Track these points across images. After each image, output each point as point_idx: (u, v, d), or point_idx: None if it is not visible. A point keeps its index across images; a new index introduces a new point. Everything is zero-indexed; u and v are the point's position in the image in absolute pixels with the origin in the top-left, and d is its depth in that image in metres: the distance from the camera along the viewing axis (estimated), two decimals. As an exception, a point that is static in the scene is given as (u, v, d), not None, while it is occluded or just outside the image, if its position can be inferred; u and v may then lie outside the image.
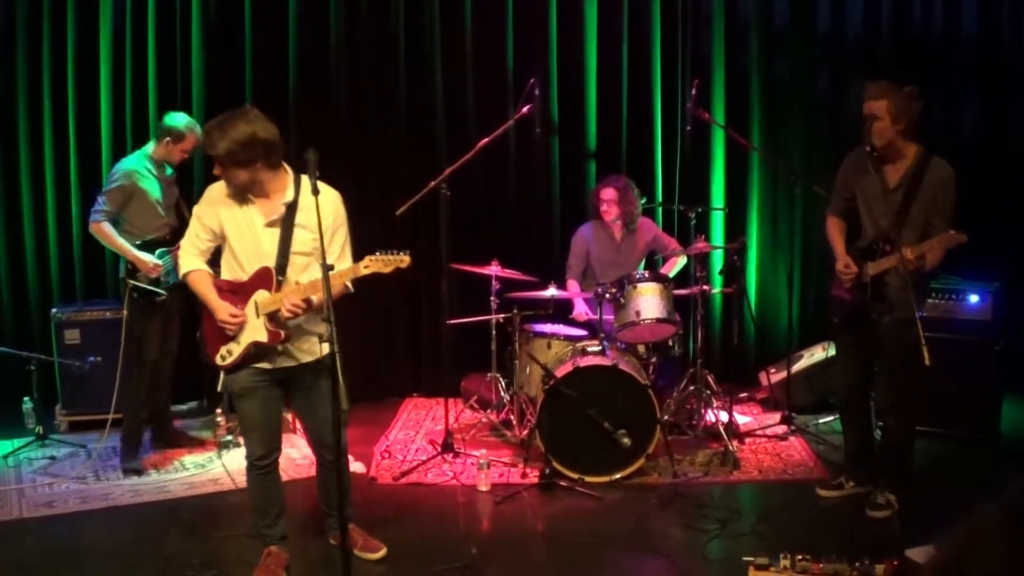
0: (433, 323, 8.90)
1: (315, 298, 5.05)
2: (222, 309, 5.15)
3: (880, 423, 6.46)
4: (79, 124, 8.61)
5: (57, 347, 8.04)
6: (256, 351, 5.22)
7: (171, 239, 7.10)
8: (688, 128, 8.60)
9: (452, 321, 7.77)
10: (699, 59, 9.09)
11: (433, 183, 7.34)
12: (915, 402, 6.23)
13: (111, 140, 8.61)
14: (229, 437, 7.68)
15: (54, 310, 8.08)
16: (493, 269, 7.56)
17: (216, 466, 7.32)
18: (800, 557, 4.74)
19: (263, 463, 5.38)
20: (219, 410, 7.93)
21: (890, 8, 8.93)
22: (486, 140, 7.63)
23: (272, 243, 5.17)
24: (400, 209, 7.41)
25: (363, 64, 8.80)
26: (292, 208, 5.17)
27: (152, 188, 7.11)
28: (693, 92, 8.07)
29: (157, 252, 7.10)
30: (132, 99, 8.61)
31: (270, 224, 5.16)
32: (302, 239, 5.18)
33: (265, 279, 5.17)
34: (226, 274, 5.30)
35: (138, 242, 7.08)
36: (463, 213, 8.73)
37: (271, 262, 5.15)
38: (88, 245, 8.33)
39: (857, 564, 4.77)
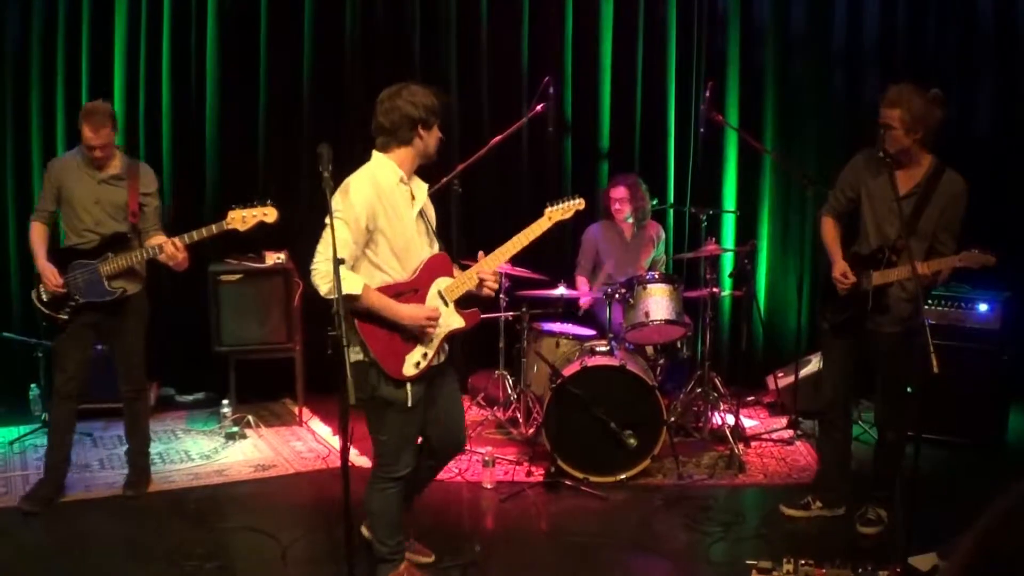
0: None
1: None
2: (418, 310, 4.92)
3: (878, 435, 6.27)
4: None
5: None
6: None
7: (97, 250, 6.26)
8: (702, 130, 8.57)
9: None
10: (714, 61, 9.08)
11: (445, 179, 7.35)
12: (913, 413, 6.11)
13: (123, 132, 8.59)
14: (235, 428, 7.69)
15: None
16: (503, 267, 7.55)
17: (221, 457, 7.34)
18: (803, 562, 4.75)
19: (407, 476, 5.19)
20: (225, 401, 7.95)
21: (906, 12, 8.91)
22: (499, 137, 7.64)
23: (422, 231, 5.10)
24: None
25: (378, 60, 8.79)
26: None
27: (75, 185, 6.31)
28: (707, 94, 8.07)
29: (72, 263, 6.26)
30: (145, 91, 8.61)
31: (417, 215, 5.08)
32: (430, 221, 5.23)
33: (444, 266, 5.11)
34: (375, 280, 4.91)
35: (62, 247, 6.41)
36: (474, 210, 8.74)
37: (427, 250, 5.09)
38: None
39: (860, 570, 4.77)
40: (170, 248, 6.07)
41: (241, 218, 6.06)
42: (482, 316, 5.31)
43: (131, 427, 6.72)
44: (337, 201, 4.80)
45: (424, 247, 5.09)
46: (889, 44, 8.95)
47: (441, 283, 5.07)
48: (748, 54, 9.12)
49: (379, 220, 4.86)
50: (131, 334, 6.50)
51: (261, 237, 8.39)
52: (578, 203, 5.30)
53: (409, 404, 4.94)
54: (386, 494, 5.14)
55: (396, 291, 4.92)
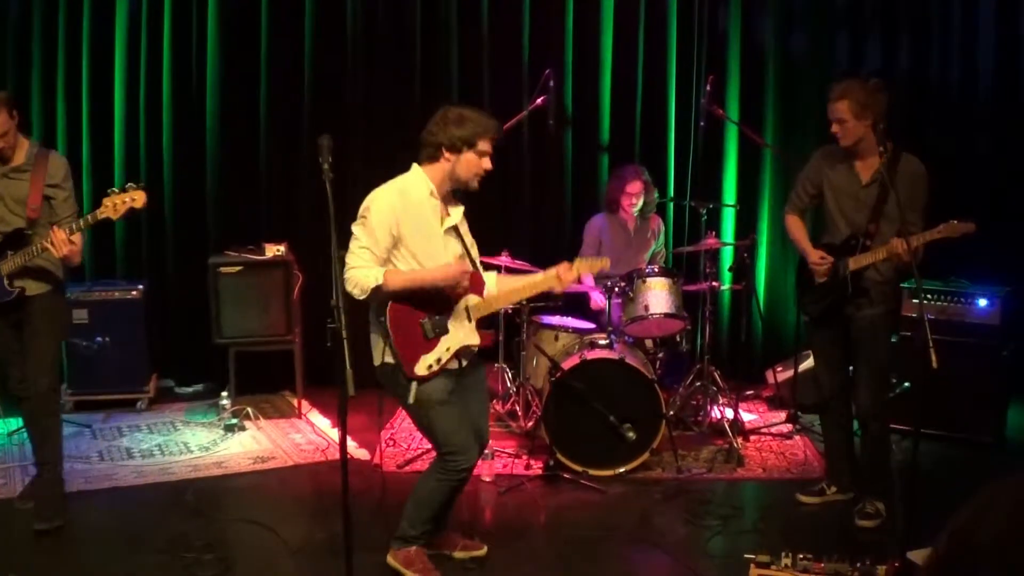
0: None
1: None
2: (449, 268, 5.08)
3: (860, 427, 6.32)
4: (92, 109, 8.58)
5: (65, 326, 8.04)
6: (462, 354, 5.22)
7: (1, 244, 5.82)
8: (702, 124, 8.57)
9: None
10: (715, 54, 9.07)
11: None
12: (890, 400, 6.19)
13: (124, 127, 8.60)
14: (235, 420, 7.69)
15: (63, 289, 8.07)
16: (503, 260, 7.55)
17: (220, 449, 7.34)
18: (802, 556, 4.74)
19: (471, 470, 5.28)
20: (224, 393, 7.95)
21: (906, 15, 8.91)
22: (499, 131, 7.63)
23: (452, 248, 5.22)
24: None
25: (379, 53, 8.79)
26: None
27: None
28: (708, 88, 8.07)
29: None
30: (146, 86, 8.60)
31: (448, 231, 5.20)
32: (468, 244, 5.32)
33: (477, 285, 5.24)
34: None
35: None
36: (474, 203, 8.69)
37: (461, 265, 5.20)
38: (97, 226, 8.28)
39: (858, 564, 4.76)
40: (45, 242, 5.60)
41: (113, 206, 5.65)
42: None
43: (38, 445, 6.13)
44: (364, 206, 5.05)
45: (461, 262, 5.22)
46: (890, 40, 8.94)
47: (471, 299, 5.20)
48: (749, 48, 9.10)
49: (403, 227, 5.02)
50: (36, 338, 5.94)
51: (263, 229, 8.49)
52: (603, 262, 5.46)
53: (435, 398, 5.09)
54: (441, 484, 5.24)
55: (430, 290, 5.07)
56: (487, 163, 5.16)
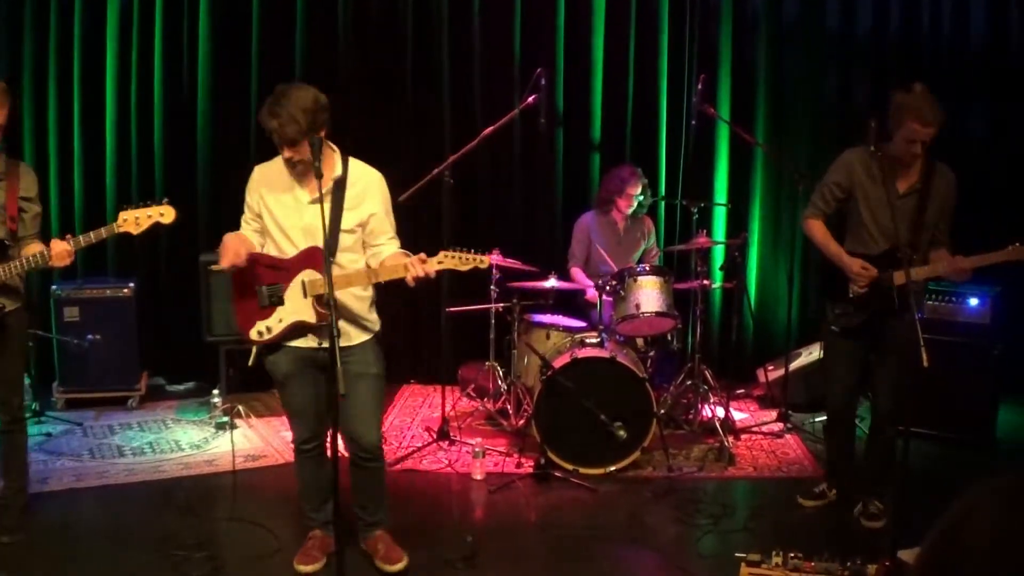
0: (432, 310, 8.91)
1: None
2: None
3: (874, 430, 6.26)
4: (84, 105, 8.58)
5: (56, 324, 8.03)
6: (299, 330, 5.14)
7: None
8: (693, 123, 8.56)
9: (451, 309, 7.75)
10: (706, 54, 9.06)
11: (437, 170, 7.33)
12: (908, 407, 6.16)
13: (115, 123, 8.60)
14: (225, 418, 7.69)
15: (54, 287, 8.06)
16: (494, 258, 7.54)
17: (212, 447, 7.33)
18: (792, 555, 4.75)
19: (308, 447, 5.39)
20: (215, 391, 7.94)
21: (898, 9, 8.91)
22: (490, 129, 7.62)
23: (318, 220, 4.93)
24: (403, 196, 7.39)
25: (371, 52, 8.78)
26: (341, 185, 5.12)
27: None
28: (699, 87, 8.06)
29: None
30: (137, 83, 8.59)
31: (315, 201, 4.97)
32: (348, 218, 5.11)
33: (314, 259, 5.04)
34: (267, 251, 5.13)
35: None
36: (466, 201, 8.73)
37: (319, 239, 5.00)
38: (89, 223, 8.29)
39: (849, 563, 4.77)
40: (54, 250, 5.25)
41: (135, 219, 5.29)
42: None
43: (8, 462, 5.86)
44: None
45: (318, 233, 4.94)
46: (881, 37, 8.95)
47: (308, 275, 5.06)
48: (740, 47, 9.09)
49: (265, 199, 5.10)
50: (9, 355, 5.66)
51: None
52: (479, 260, 5.05)
53: (271, 371, 5.30)
54: (296, 461, 5.54)
55: (271, 263, 5.10)
56: (303, 152, 4.92)
